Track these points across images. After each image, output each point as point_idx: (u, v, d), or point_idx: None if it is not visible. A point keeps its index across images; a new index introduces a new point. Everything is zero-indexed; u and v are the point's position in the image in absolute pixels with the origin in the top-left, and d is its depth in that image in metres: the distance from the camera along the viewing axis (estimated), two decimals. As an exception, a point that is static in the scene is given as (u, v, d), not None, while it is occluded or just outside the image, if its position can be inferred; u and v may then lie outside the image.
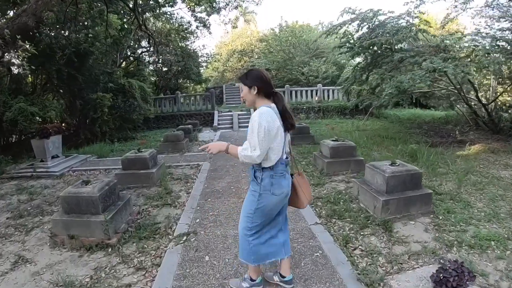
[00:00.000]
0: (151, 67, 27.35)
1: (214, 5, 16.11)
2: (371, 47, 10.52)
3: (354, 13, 11.29)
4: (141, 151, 6.69)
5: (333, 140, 7.03)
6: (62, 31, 11.57)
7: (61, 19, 10.38)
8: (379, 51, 10.90)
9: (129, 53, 21.95)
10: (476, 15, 11.41)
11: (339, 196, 5.28)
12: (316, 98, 18.62)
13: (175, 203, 5.27)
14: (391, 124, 15.14)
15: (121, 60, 19.87)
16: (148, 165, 6.45)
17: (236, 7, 17.89)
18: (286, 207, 2.67)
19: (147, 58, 27.23)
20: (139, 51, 26.97)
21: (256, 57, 33.46)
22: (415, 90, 11.00)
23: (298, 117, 16.84)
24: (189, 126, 12.53)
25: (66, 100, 13.51)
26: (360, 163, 6.77)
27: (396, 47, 10.50)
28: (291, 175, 2.60)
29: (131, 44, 25.13)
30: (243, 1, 17.74)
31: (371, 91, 13.15)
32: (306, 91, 19.02)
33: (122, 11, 13.00)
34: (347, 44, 11.08)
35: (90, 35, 11.94)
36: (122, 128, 13.51)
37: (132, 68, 19.01)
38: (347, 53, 12.37)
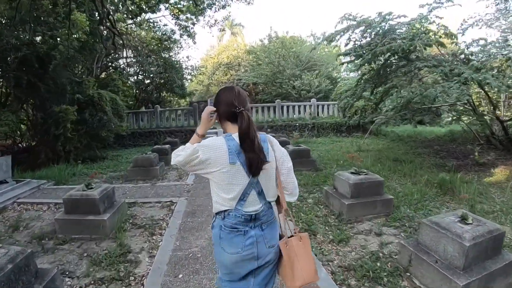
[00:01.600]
0: (131, 79, 25.63)
1: (199, 3, 14.38)
2: (382, 55, 8.97)
3: (355, 20, 9.95)
4: (91, 188, 4.84)
5: (353, 173, 5.31)
6: (20, 31, 9.73)
7: (11, 15, 8.53)
8: (392, 60, 9.37)
9: (109, 63, 20.29)
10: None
11: (377, 264, 3.54)
12: (309, 114, 17.03)
13: (129, 277, 3.44)
14: (393, 143, 13.71)
15: (99, 70, 18.08)
16: (99, 209, 4.60)
17: (223, 7, 16.24)
18: (270, 276, 1.90)
19: (128, 69, 25.58)
20: (121, 61, 25.41)
21: (242, 70, 32.00)
22: (437, 104, 9.55)
23: (291, 136, 15.21)
24: (167, 146, 10.70)
25: (25, 113, 11.60)
26: (389, 203, 5.18)
27: (412, 55, 9.03)
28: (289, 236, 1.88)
29: (112, 53, 23.63)
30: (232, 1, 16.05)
31: (375, 106, 11.64)
32: (299, 106, 17.36)
33: (90, 9, 11.10)
34: (354, 52, 9.43)
35: (48, 35, 10.04)
36: (90, 146, 11.57)
37: (105, 77, 17.00)
38: (350, 63, 11.00)
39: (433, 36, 8.32)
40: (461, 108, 10.14)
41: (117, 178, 8.68)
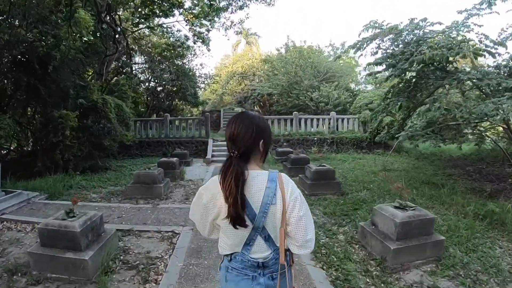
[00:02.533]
0: (142, 86, 24.98)
1: (213, 3, 13.51)
2: (416, 65, 8.01)
3: (381, 28, 9.16)
4: (72, 216, 3.88)
5: (398, 208, 4.27)
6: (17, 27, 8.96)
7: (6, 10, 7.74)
8: (427, 71, 8.41)
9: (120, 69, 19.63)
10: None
11: None
12: (328, 128, 16.04)
13: None
14: (418, 162, 12.91)
15: (109, 75, 17.38)
16: (80, 244, 3.62)
17: (241, 7, 15.42)
18: None
19: (140, 76, 24.96)
20: (134, 67, 24.77)
21: (257, 80, 31.18)
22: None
23: (309, 151, 14.22)
24: (174, 159, 9.73)
25: (26, 117, 10.84)
26: (439, 245, 4.14)
27: (450, 67, 8.14)
28: None
29: (114, 53, 22.83)
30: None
31: (401, 121, 10.63)
32: (318, 119, 16.30)
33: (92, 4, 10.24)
34: (387, 61, 8.41)
35: (50, 34, 9.23)
36: (91, 156, 10.67)
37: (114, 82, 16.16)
38: (374, 75, 10.12)
39: (475, 45, 7.30)
40: (487, 125, 9.17)
41: (117, 194, 7.76)
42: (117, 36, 11.95)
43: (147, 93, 26.28)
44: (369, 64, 9.04)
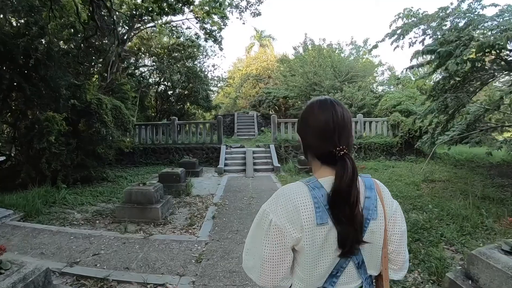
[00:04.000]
0: (152, 89, 23.71)
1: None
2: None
3: (416, 16, 8.20)
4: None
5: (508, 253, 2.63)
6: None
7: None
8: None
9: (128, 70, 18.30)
10: None
11: None
12: (355, 133, 14.37)
13: None
14: (458, 170, 11.30)
15: (115, 76, 15.98)
16: None
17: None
18: None
19: (149, 79, 23.67)
20: (143, 69, 23.48)
21: (272, 83, 29.67)
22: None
23: None
24: (179, 170, 8.10)
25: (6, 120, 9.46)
26: None
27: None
28: None
29: (132, 61, 21.72)
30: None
31: (445, 123, 9.06)
32: None
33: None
34: (441, 48, 6.67)
35: (31, 21, 7.75)
36: (84, 165, 9.14)
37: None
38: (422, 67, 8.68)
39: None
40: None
41: (105, 214, 6.23)
42: (116, 29, 10.41)
43: (155, 96, 25.02)
44: (416, 52, 7.30)
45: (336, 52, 21.44)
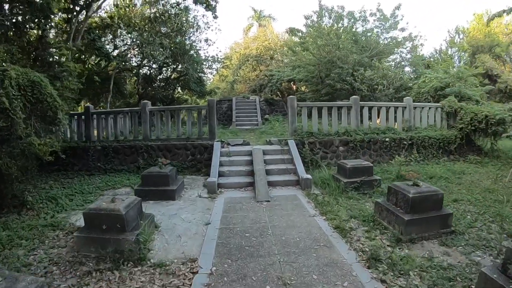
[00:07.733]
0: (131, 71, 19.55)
1: None
2: None
3: None
4: None
5: None
6: None
7: None
8: None
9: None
10: None
11: None
12: (402, 123, 10.30)
13: None
14: None
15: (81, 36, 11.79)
16: None
17: None
18: None
19: (130, 58, 19.50)
20: (121, 47, 19.21)
21: (275, 65, 25.45)
22: None
23: (390, 162, 9.30)
24: (123, 204, 3.90)
25: None
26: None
27: None
28: None
29: (109, 37, 17.63)
30: None
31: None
32: (388, 108, 10.27)
33: None
34: None
35: None
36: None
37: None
38: None
39: None
40: None
41: None
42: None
43: (138, 81, 20.85)
44: None
45: (360, 22, 17.00)
